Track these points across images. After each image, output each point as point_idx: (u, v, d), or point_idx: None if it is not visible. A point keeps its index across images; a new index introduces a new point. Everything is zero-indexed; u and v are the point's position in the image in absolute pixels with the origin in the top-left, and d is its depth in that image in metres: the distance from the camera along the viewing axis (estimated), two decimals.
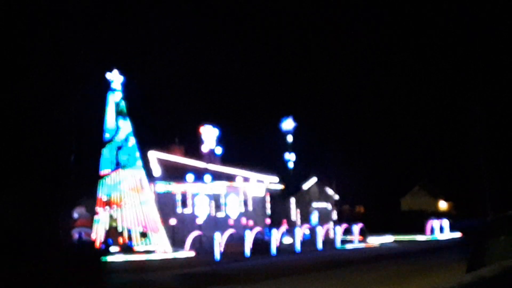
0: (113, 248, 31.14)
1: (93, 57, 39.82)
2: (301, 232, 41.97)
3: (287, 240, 40.19)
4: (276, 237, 38.74)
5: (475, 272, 4.21)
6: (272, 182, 44.20)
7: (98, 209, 33.40)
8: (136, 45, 60.23)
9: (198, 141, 42.01)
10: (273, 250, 37.71)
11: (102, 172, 33.75)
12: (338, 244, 42.71)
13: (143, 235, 32.19)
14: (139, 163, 34.01)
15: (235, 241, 37.03)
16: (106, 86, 34.14)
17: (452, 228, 51.46)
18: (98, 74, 34.49)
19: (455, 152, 65.89)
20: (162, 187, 37.73)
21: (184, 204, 39.02)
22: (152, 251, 31.10)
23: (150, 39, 60.93)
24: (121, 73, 34.17)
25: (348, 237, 44.58)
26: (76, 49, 40.23)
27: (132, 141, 33.83)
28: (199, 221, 39.22)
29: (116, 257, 29.93)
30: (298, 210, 47.02)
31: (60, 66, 37.90)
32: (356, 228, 44.92)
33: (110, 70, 34.00)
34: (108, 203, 33.31)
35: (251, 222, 41.79)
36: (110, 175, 33.55)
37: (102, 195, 33.61)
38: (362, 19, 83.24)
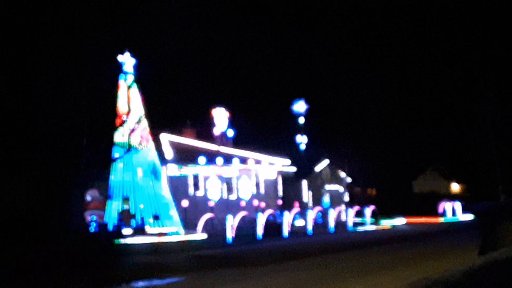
0: (125, 231, 31.30)
1: (105, 39, 39.81)
2: (313, 214, 42.03)
3: (299, 222, 40.26)
4: (288, 219, 38.83)
5: (487, 255, 4.21)
6: (284, 164, 44.20)
7: (111, 191, 33.56)
8: (148, 27, 60.09)
9: (210, 123, 42.04)
10: (285, 232, 37.80)
11: (115, 155, 33.86)
12: (350, 226, 42.75)
13: (156, 217, 32.32)
14: (152, 145, 34.08)
15: (247, 224, 37.15)
16: (118, 69, 34.15)
17: (465, 211, 51.34)
18: (110, 57, 34.50)
19: (467, 135, 65.55)
20: (174, 169, 37.83)
21: (196, 187, 39.12)
22: (164, 233, 31.23)
23: (163, 22, 60.80)
24: (133, 55, 34.14)
25: (360, 219, 44.62)
26: (88, 32, 40.24)
27: (144, 123, 33.87)
28: (211, 203, 39.33)
29: (128, 239, 30.11)
30: (310, 193, 47.03)
31: (73, 49, 37.91)
32: (368, 210, 44.93)
33: (122, 53, 33.99)
34: (121, 185, 33.46)
35: (263, 205, 41.86)
36: (122, 157, 33.66)
37: (114, 177, 33.75)
38: (376, 2, 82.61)
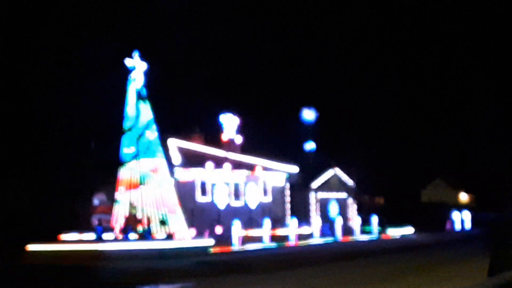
0: (132, 236, 31.22)
1: (114, 43, 39.85)
2: (320, 222, 41.90)
3: (306, 230, 40.10)
4: (295, 226, 38.70)
5: (499, 275, 4.09)
6: (292, 171, 44.05)
7: (118, 196, 33.47)
8: (157, 32, 60.11)
9: (218, 129, 41.95)
10: (292, 239, 37.67)
11: (123, 159, 33.79)
12: (357, 235, 42.58)
13: (163, 222, 32.24)
14: (159, 150, 34.01)
15: (254, 230, 37.00)
16: (127, 73, 34.08)
17: (473, 221, 51.08)
18: (120, 60, 34.42)
19: (476, 144, 65.28)
20: (182, 175, 37.74)
21: (203, 193, 39.02)
22: (171, 238, 31.14)
23: (172, 27, 60.79)
24: (143, 59, 34.08)
25: (368, 228, 44.40)
26: (97, 35, 40.29)
27: (153, 128, 33.81)
28: (218, 209, 39.21)
29: (135, 244, 30.03)
30: (318, 200, 46.84)
31: (83, 53, 37.98)
32: (376, 219, 44.70)
33: (131, 57, 33.93)
34: (128, 190, 33.38)
35: (270, 212, 41.69)
36: (130, 162, 33.58)
37: (122, 182, 33.67)
38: (385, 8, 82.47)
